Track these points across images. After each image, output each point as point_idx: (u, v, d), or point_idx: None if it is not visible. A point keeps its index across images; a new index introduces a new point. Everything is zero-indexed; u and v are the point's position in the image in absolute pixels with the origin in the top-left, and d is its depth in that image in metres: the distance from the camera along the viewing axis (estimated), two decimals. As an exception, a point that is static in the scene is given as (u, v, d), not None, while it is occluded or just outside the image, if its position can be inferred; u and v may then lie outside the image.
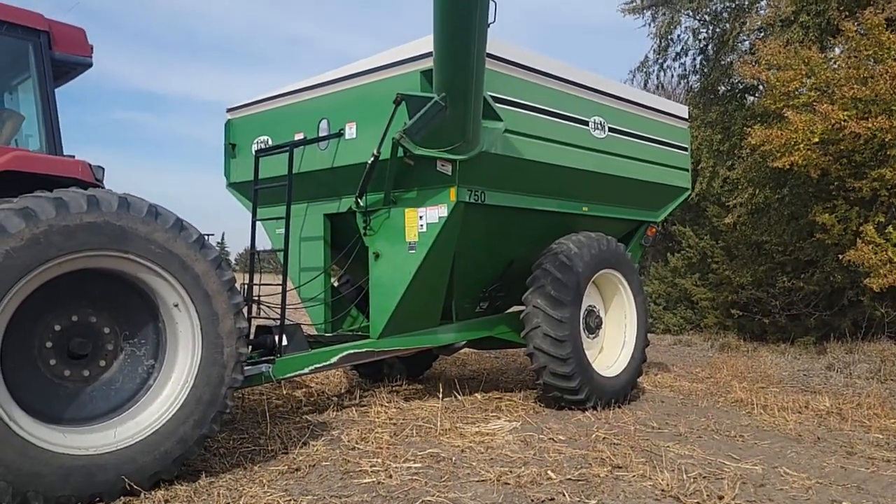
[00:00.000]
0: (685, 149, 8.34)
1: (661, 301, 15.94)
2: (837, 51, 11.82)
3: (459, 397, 6.87)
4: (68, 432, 3.77)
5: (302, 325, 6.18)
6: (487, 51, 5.12)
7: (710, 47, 15.83)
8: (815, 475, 4.64)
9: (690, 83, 17.23)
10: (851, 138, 9.92)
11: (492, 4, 4.83)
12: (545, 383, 6.49)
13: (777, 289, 12.81)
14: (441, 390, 6.76)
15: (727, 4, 14.92)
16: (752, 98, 15.20)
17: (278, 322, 5.84)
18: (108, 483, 3.74)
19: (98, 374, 4.06)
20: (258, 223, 6.51)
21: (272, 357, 5.59)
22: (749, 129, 11.43)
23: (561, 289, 6.44)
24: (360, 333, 6.66)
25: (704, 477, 4.48)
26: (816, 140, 10.18)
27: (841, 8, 11.71)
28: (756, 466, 4.78)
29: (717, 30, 15.44)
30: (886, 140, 9.79)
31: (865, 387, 8.39)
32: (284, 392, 7.09)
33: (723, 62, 15.16)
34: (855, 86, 9.81)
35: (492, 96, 5.73)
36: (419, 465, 4.61)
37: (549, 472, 4.47)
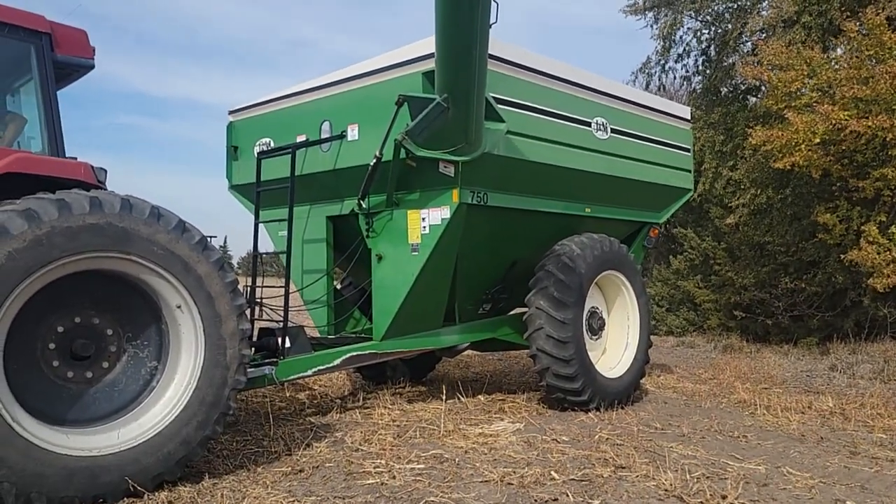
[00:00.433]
0: (688, 150, 8.34)
1: (663, 303, 15.94)
2: (839, 51, 11.82)
3: (463, 399, 6.87)
4: (72, 434, 3.77)
5: (305, 328, 6.18)
6: (489, 52, 5.12)
7: (712, 48, 15.85)
8: (818, 475, 4.62)
9: (693, 84, 17.26)
10: (853, 138, 9.92)
11: (493, 5, 4.83)
12: (548, 385, 6.49)
13: (780, 290, 12.79)
14: (444, 392, 6.75)
15: (729, 5, 14.94)
16: (754, 99, 15.20)
17: (281, 324, 5.84)
18: (112, 484, 3.75)
19: (101, 375, 4.06)
20: (261, 226, 6.51)
21: (275, 359, 5.59)
22: (751, 129, 11.44)
23: (564, 290, 6.44)
24: (363, 335, 6.66)
25: (708, 477, 4.47)
26: (817, 141, 10.18)
27: (843, 8, 11.72)
28: (759, 466, 4.77)
29: (720, 31, 15.46)
30: (887, 139, 9.79)
31: (869, 387, 8.37)
32: (288, 394, 7.09)
33: (725, 63, 15.17)
34: (856, 86, 9.81)
35: (494, 97, 5.72)
36: (423, 466, 4.61)
37: (552, 472, 4.46)
